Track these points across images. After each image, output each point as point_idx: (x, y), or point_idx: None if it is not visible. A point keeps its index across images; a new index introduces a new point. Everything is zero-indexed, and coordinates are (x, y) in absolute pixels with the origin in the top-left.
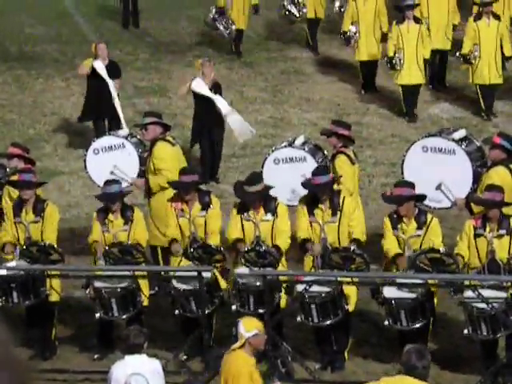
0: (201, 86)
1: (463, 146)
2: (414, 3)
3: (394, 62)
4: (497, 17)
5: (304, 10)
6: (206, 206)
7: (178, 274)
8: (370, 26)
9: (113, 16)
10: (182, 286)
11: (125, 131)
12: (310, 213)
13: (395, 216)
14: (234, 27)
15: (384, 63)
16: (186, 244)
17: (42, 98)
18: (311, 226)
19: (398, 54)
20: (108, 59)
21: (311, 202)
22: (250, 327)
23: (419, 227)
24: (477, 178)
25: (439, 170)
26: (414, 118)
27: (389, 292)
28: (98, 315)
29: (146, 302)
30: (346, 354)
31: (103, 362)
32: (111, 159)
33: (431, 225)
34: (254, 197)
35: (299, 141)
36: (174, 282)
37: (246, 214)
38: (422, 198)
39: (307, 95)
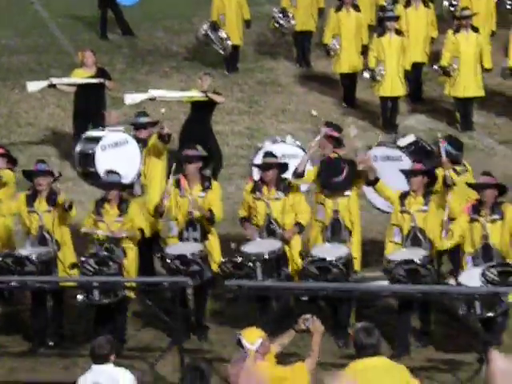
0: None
1: (408, 152)
2: (395, 15)
3: (374, 73)
4: (476, 30)
5: (292, 22)
6: (206, 189)
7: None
8: (351, 38)
9: (89, 26)
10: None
11: (120, 128)
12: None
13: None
14: (229, 43)
15: (362, 75)
16: (181, 225)
17: (17, 108)
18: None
19: (380, 66)
20: (96, 66)
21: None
22: (252, 339)
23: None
24: None
25: (391, 177)
26: (394, 129)
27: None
28: (79, 297)
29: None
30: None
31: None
32: (116, 155)
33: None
34: (271, 167)
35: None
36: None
37: (257, 193)
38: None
39: (283, 106)
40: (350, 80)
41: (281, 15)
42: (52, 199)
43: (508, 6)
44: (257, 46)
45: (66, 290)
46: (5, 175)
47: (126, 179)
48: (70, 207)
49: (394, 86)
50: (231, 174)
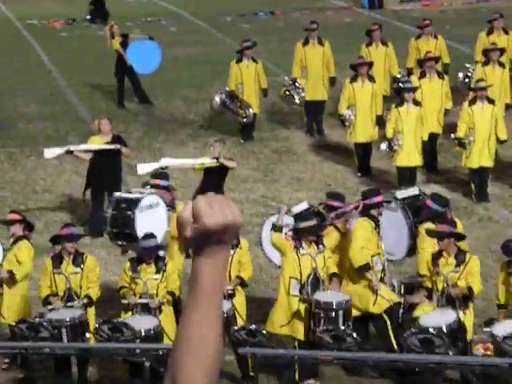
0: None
1: (402, 203)
2: (413, 86)
3: (392, 143)
4: (491, 101)
5: (302, 94)
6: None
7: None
8: (366, 108)
9: (106, 95)
10: None
11: (146, 190)
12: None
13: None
14: (252, 111)
15: (377, 145)
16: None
17: (34, 175)
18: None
19: (397, 136)
20: (112, 133)
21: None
22: None
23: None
24: (413, 235)
25: (387, 225)
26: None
27: None
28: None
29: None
30: None
31: None
32: (150, 217)
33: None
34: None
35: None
36: None
37: (301, 249)
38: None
39: (298, 175)
40: (364, 150)
41: (292, 86)
42: (78, 261)
43: None
44: (272, 115)
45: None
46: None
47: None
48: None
49: (411, 156)
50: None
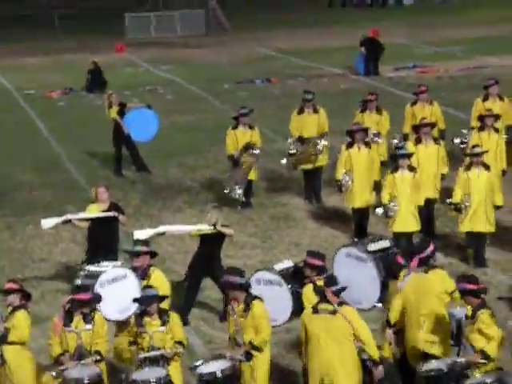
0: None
1: (374, 257)
2: (408, 152)
3: (388, 209)
4: (487, 167)
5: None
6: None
7: None
8: (363, 173)
9: (104, 163)
10: None
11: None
12: None
13: None
14: (258, 151)
15: (374, 211)
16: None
17: (31, 243)
18: None
19: (393, 202)
20: (109, 201)
21: None
22: None
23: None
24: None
25: (355, 274)
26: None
27: None
28: None
29: None
30: None
31: None
32: (116, 290)
33: None
34: None
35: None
36: None
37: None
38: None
39: (296, 240)
40: (361, 214)
41: (292, 146)
42: (88, 318)
43: None
44: (269, 181)
45: None
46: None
47: (128, 312)
48: None
49: (407, 221)
50: None
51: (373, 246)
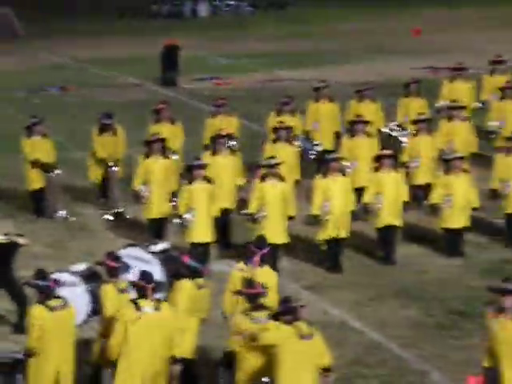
0: None
1: (158, 257)
2: (203, 163)
3: (185, 220)
4: (282, 178)
5: None
6: None
7: None
8: (162, 183)
9: None
10: None
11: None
12: None
13: None
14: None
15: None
16: None
17: None
18: None
19: (189, 213)
20: None
21: None
22: None
23: None
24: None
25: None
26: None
27: None
28: None
29: None
30: None
31: None
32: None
33: None
34: None
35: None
36: None
37: None
38: None
39: (91, 250)
40: (159, 225)
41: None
42: None
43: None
44: (66, 191)
45: None
46: None
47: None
48: None
49: (203, 232)
50: None
51: (155, 248)
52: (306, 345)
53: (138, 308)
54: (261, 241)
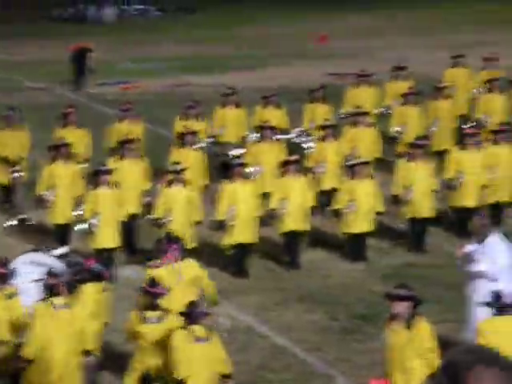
0: None
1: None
2: (108, 169)
3: (90, 225)
4: (187, 183)
5: None
6: None
7: None
8: (66, 188)
9: None
10: None
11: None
12: None
13: None
14: None
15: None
16: None
17: None
18: None
19: (94, 218)
20: None
21: None
22: None
23: None
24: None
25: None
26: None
27: None
28: None
29: None
30: None
31: None
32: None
33: None
34: None
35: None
36: None
37: None
38: None
39: None
40: (63, 230)
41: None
42: None
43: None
44: None
45: None
46: None
47: None
48: None
49: (108, 237)
50: None
51: (55, 252)
52: (201, 348)
53: (51, 305)
54: (171, 236)
